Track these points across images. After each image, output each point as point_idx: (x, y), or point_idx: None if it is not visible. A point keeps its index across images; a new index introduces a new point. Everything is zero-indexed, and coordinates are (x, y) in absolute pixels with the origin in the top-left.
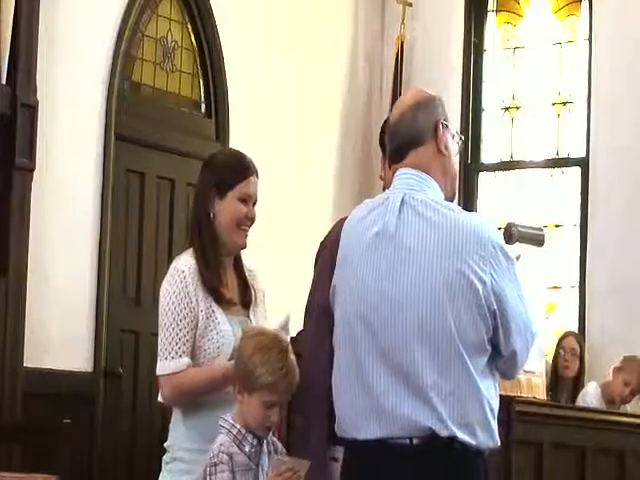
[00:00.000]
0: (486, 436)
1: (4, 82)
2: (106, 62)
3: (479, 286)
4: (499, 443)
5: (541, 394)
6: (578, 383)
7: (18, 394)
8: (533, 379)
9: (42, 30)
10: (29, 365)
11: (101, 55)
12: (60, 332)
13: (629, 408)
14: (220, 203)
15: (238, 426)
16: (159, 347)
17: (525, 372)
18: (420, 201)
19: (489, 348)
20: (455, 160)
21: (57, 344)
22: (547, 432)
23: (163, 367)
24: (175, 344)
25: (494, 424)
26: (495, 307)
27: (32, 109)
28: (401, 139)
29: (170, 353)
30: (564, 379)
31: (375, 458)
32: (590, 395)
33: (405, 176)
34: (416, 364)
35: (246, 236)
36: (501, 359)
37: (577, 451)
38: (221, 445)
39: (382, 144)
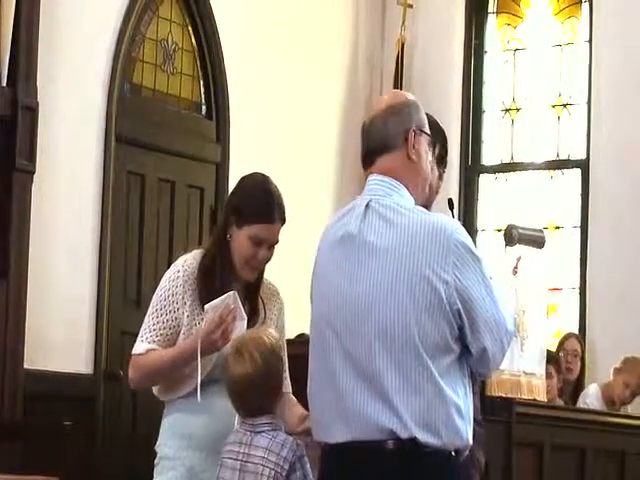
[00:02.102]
0: (452, 436)
1: (4, 84)
2: (106, 64)
3: (441, 286)
4: (469, 442)
5: (541, 396)
6: (580, 385)
7: (19, 396)
8: (533, 381)
9: (42, 32)
10: (30, 367)
11: (101, 57)
12: (61, 334)
13: (630, 409)
14: (236, 231)
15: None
16: None
17: (525, 374)
18: (384, 205)
19: (455, 347)
20: (426, 166)
21: (58, 346)
22: (547, 433)
23: (134, 347)
24: (149, 331)
25: (461, 424)
26: (459, 306)
27: (32, 111)
28: (371, 144)
29: (141, 337)
30: (566, 381)
31: (346, 461)
32: (590, 396)
33: (373, 182)
34: (378, 366)
35: (256, 272)
36: (472, 358)
37: (577, 452)
38: (294, 440)
39: None
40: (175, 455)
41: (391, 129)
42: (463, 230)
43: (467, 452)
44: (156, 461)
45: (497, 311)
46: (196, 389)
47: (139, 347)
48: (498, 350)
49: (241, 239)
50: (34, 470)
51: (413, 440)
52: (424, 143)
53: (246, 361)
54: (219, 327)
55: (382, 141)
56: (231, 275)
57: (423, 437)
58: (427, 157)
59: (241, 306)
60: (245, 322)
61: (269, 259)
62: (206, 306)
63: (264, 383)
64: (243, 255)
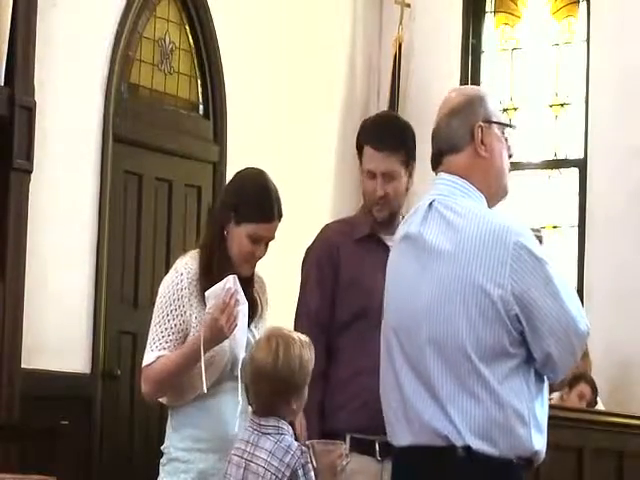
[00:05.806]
0: (510, 444)
1: (2, 83)
2: (104, 63)
3: (496, 292)
4: (535, 449)
5: None
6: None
7: (16, 395)
8: None
9: (40, 31)
10: (27, 366)
11: (99, 56)
12: (58, 334)
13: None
14: (234, 227)
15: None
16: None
17: None
18: (447, 206)
19: (516, 352)
20: (500, 159)
21: (55, 346)
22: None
23: (143, 360)
24: (157, 339)
25: (523, 431)
26: (517, 311)
27: (30, 110)
28: (437, 147)
29: (150, 347)
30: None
31: (409, 466)
32: None
33: (439, 182)
34: (432, 373)
35: (253, 267)
36: (537, 362)
37: (575, 452)
38: (299, 446)
39: (358, 147)
40: (188, 458)
41: (455, 130)
42: (525, 231)
43: (538, 459)
44: (163, 461)
45: (565, 314)
46: (203, 391)
47: (148, 357)
48: (566, 354)
49: (240, 236)
50: (31, 470)
51: (467, 448)
52: (496, 134)
53: (269, 352)
54: (223, 312)
55: (448, 143)
56: (229, 269)
57: (477, 445)
58: (501, 148)
59: (241, 290)
60: (246, 307)
61: (264, 254)
62: (206, 293)
63: (279, 381)
64: (242, 252)
